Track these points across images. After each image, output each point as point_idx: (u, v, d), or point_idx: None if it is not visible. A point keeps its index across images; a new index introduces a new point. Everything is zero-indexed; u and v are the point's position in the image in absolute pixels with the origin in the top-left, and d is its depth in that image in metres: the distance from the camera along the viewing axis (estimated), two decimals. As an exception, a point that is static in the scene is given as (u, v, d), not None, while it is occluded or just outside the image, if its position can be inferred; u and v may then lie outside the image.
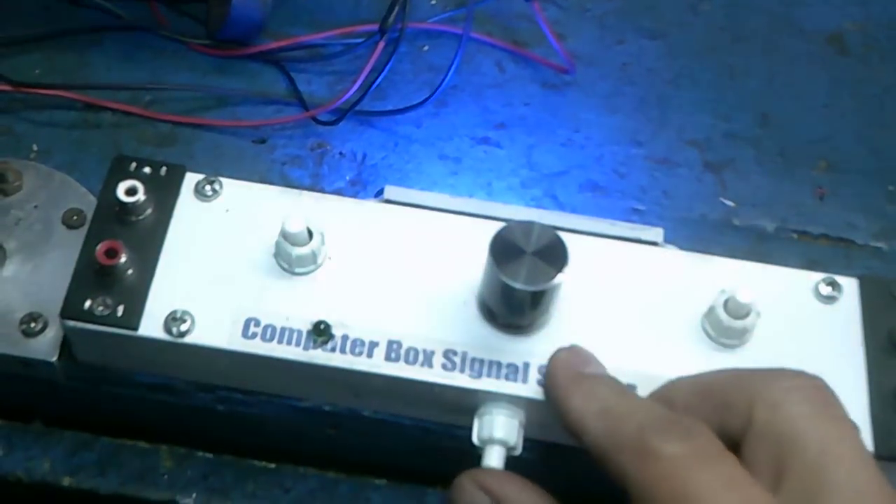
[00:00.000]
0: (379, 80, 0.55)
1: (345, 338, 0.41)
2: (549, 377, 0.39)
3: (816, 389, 0.35)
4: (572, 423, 0.36)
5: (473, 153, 0.56)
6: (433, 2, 0.61)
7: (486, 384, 0.40)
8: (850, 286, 0.43)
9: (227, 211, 0.43)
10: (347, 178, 0.54)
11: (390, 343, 0.41)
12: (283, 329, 0.41)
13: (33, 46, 0.58)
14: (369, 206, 0.44)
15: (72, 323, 0.41)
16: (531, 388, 0.40)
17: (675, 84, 0.59)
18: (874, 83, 0.60)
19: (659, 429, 0.33)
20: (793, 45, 0.62)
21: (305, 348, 0.40)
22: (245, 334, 0.41)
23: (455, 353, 0.40)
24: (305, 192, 0.44)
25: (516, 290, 0.38)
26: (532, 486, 0.37)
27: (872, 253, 0.54)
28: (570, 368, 0.38)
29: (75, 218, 0.46)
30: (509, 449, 0.39)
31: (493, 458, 0.39)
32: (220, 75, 0.58)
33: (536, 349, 0.41)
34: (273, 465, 0.48)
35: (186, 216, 0.43)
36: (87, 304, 0.41)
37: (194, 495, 0.47)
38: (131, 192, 0.42)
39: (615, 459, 0.34)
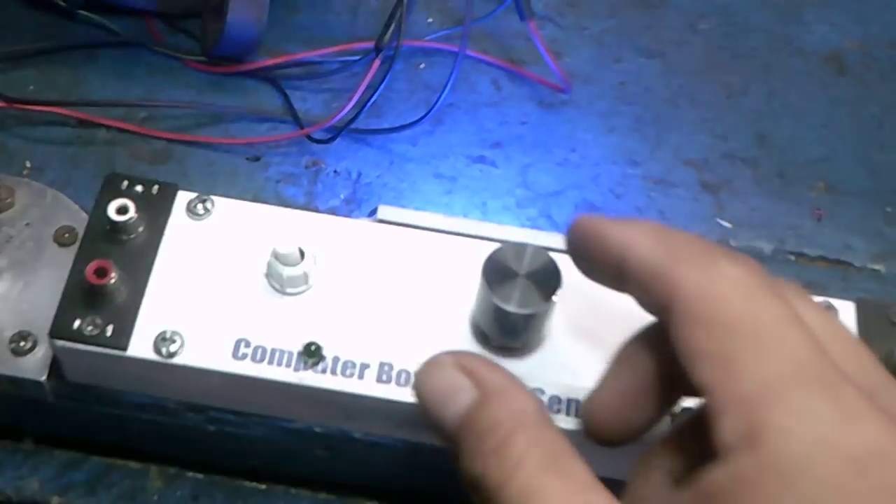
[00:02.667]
0: (374, 97, 0.54)
1: (336, 359, 0.40)
2: (576, 224, 0.35)
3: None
4: (611, 249, 0.33)
5: (469, 172, 0.55)
6: (430, 20, 0.61)
7: (478, 407, 0.39)
8: (846, 309, 0.43)
9: (219, 230, 0.43)
10: (342, 196, 0.54)
11: (382, 365, 0.40)
12: (273, 350, 0.40)
13: (28, 62, 0.57)
14: (362, 226, 0.44)
15: (60, 343, 0.40)
16: (524, 412, 0.39)
17: (673, 103, 0.59)
18: (873, 103, 0.60)
19: (723, 251, 0.31)
20: (791, 65, 0.61)
21: (296, 369, 0.40)
22: (235, 355, 0.40)
23: (447, 376, 0.40)
24: (298, 211, 0.44)
25: (509, 313, 0.38)
26: (522, 386, 0.33)
27: (870, 275, 0.53)
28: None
29: (67, 236, 0.45)
30: (501, 473, 0.39)
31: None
32: (215, 92, 0.57)
33: (530, 372, 0.40)
34: (264, 487, 0.47)
35: (178, 235, 0.43)
36: (77, 323, 0.40)
37: (184, 516, 0.46)
38: (122, 210, 0.42)
39: (667, 275, 0.31)
